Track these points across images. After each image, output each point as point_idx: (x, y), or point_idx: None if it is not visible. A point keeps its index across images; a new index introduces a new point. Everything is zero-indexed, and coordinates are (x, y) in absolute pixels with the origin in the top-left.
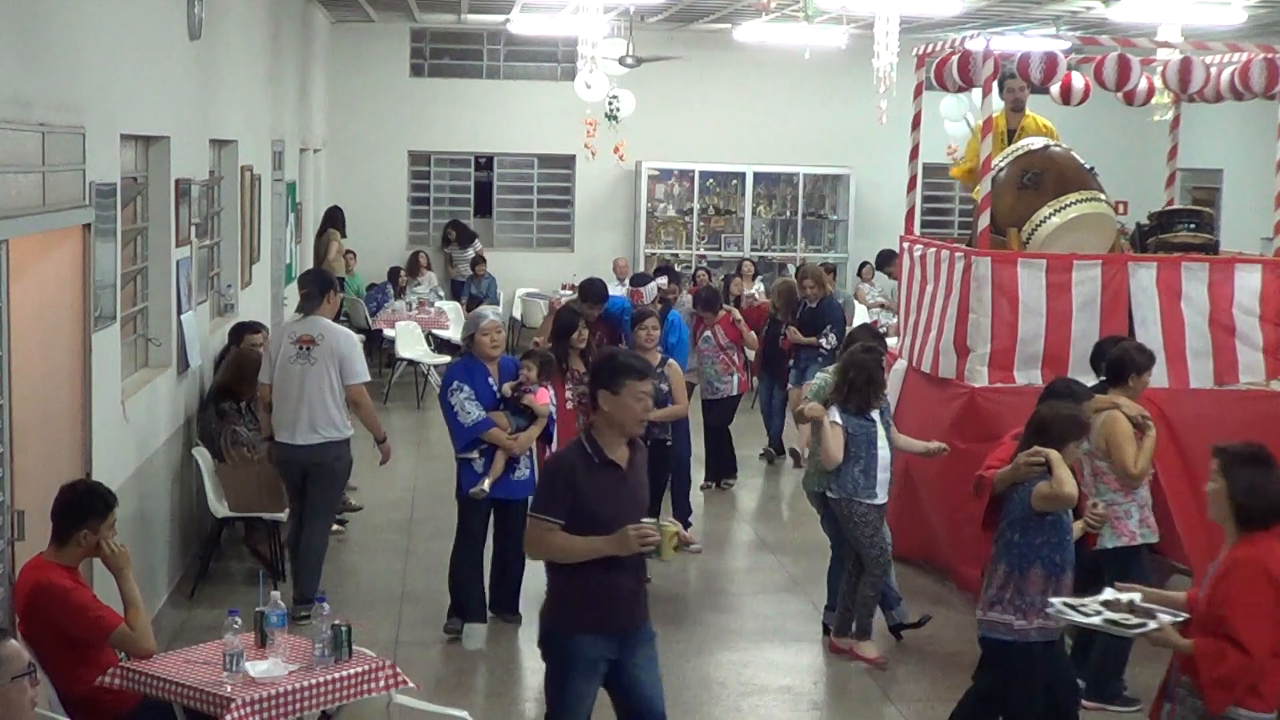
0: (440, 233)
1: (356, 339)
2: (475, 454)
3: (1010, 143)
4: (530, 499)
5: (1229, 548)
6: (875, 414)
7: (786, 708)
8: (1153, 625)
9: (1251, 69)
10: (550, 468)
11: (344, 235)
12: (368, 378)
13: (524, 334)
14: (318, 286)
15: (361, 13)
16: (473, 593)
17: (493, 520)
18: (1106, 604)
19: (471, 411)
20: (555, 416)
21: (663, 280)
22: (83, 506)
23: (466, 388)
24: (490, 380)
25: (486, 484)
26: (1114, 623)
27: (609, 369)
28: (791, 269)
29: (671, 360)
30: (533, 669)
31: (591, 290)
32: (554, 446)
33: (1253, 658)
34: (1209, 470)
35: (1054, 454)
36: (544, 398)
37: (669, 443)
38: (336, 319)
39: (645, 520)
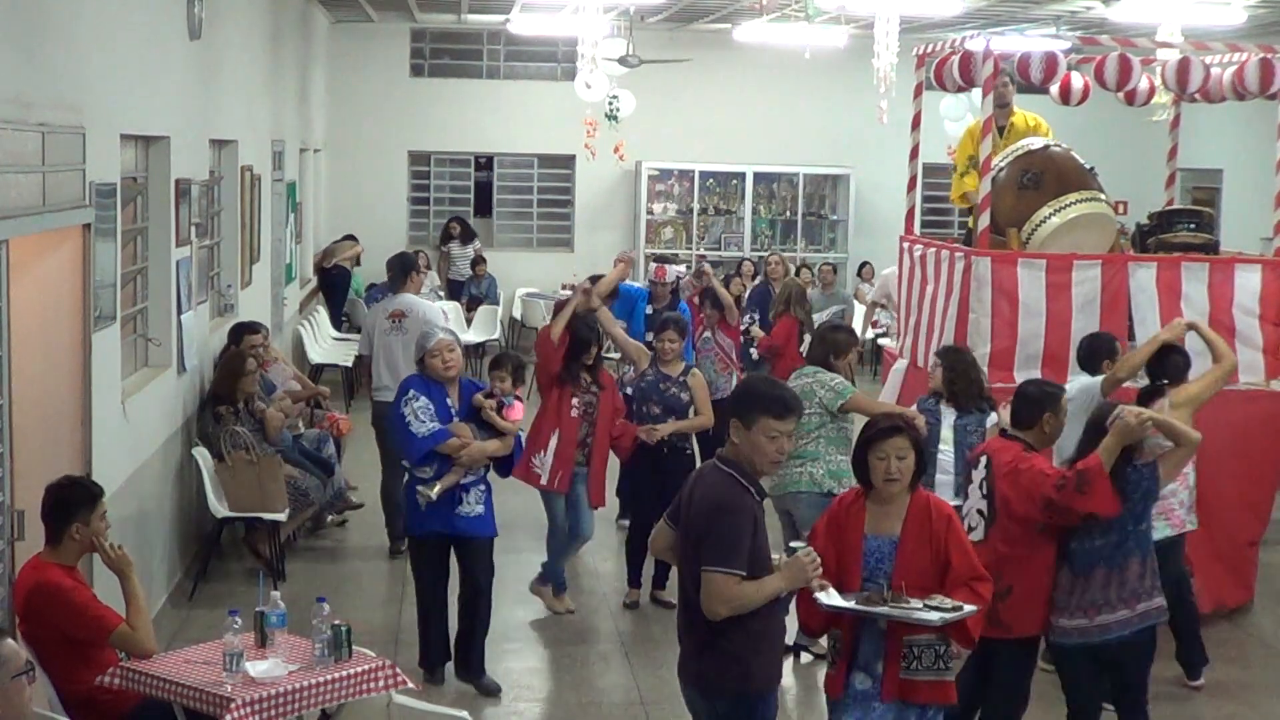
0: (440, 231)
1: (439, 311)
2: (428, 470)
3: (1000, 140)
4: (492, 538)
5: (909, 511)
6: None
7: (787, 708)
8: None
9: (1246, 70)
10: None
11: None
12: None
13: (524, 334)
14: (400, 269)
15: (361, 13)
16: (429, 637)
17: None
18: (868, 599)
19: (425, 421)
20: (522, 438)
21: (682, 269)
22: (70, 500)
23: (423, 398)
24: (449, 400)
25: (437, 489)
26: (939, 609)
27: (745, 399)
28: (792, 269)
29: (695, 369)
30: (531, 669)
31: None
32: (550, 466)
33: (990, 580)
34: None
35: (1153, 414)
36: (518, 413)
37: (689, 450)
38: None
39: (795, 545)
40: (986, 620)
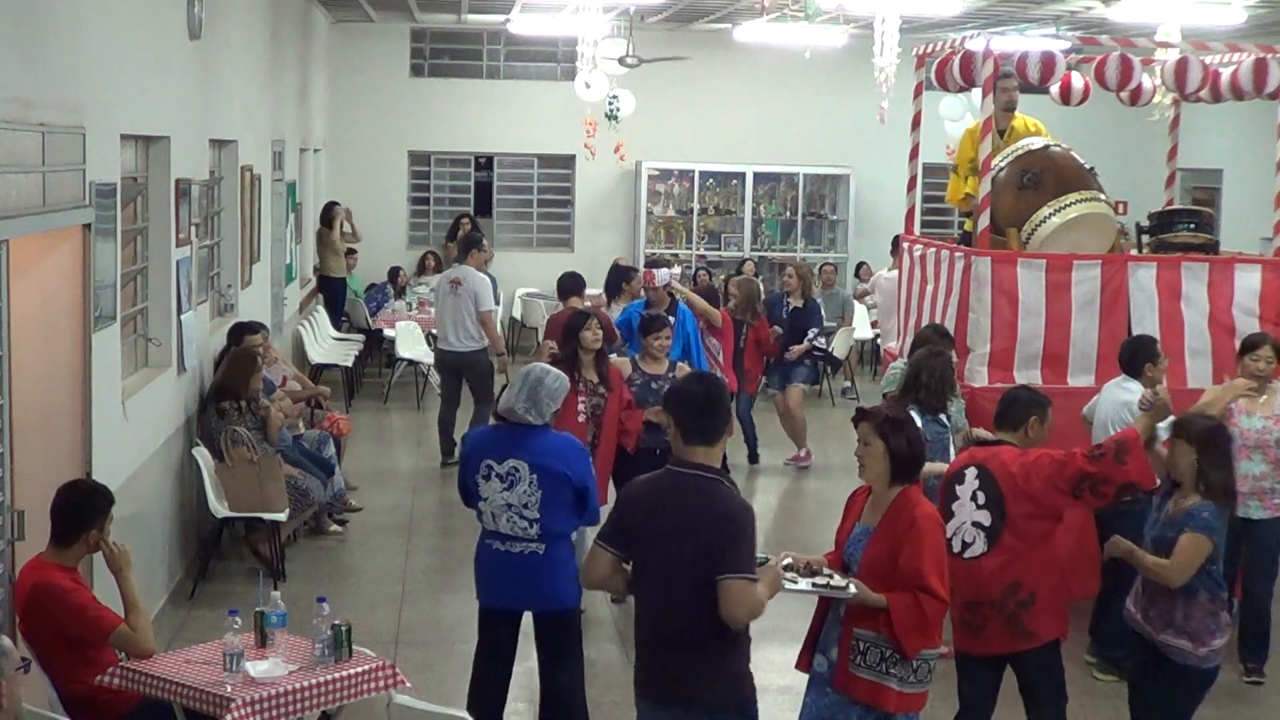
0: (446, 229)
1: (488, 280)
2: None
3: (999, 142)
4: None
5: (889, 505)
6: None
7: (786, 708)
8: (853, 589)
9: (1241, 71)
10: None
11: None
12: (494, 306)
13: (524, 334)
14: (465, 246)
15: (361, 13)
16: None
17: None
18: (787, 569)
19: None
20: None
21: (676, 270)
22: (89, 506)
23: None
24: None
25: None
26: (825, 587)
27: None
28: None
29: (681, 363)
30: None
31: (560, 285)
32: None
33: (946, 603)
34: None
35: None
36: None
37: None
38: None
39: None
40: (1010, 633)
